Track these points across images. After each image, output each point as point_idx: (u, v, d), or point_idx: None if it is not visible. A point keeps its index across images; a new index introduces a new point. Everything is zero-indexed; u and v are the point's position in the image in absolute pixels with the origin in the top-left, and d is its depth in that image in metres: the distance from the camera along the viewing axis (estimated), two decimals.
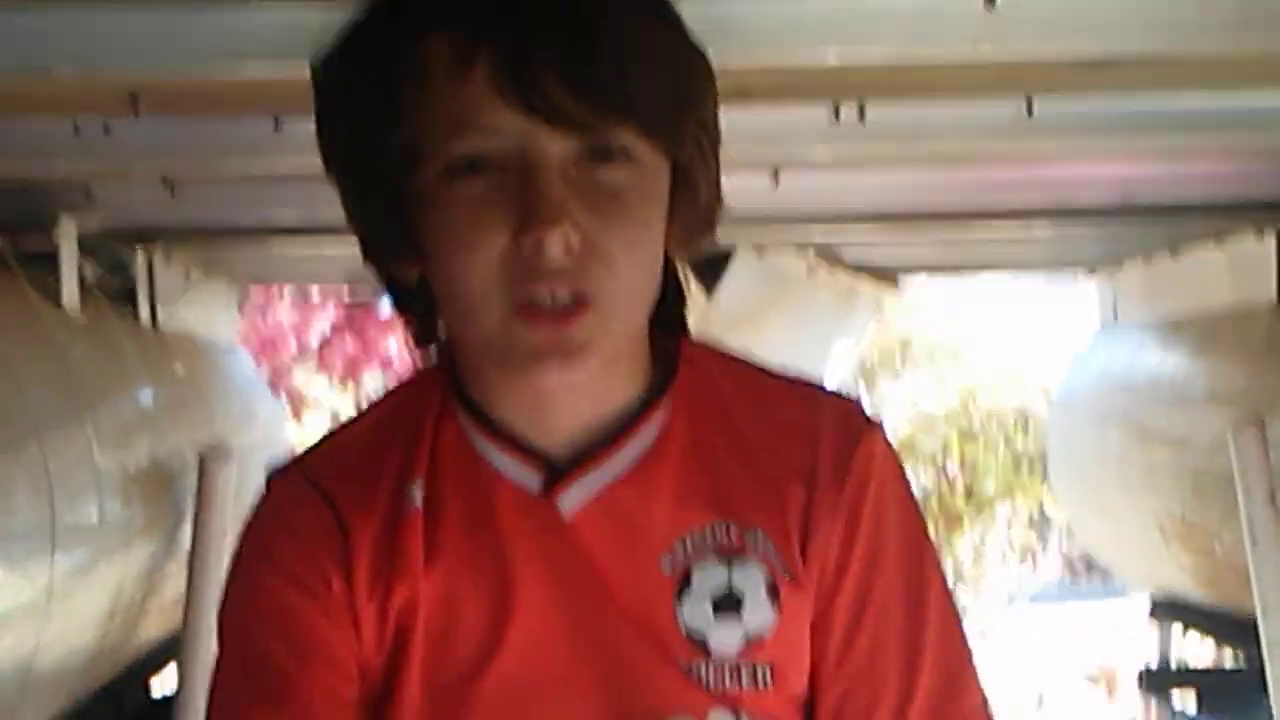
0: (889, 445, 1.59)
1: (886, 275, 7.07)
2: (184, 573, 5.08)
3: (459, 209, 1.43)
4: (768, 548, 1.52)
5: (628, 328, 1.49)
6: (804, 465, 1.55)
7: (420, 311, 1.57)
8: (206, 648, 5.01)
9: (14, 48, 2.41)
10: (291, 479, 1.59)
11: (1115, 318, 7.06)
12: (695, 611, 1.51)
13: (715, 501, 1.54)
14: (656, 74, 1.42)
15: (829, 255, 6.61)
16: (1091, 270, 7.25)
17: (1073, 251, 6.73)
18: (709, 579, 1.52)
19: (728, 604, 1.52)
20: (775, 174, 4.34)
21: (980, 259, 7.11)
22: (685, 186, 1.50)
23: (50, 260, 4.49)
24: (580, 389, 1.50)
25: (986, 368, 16.43)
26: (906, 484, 1.60)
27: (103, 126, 3.40)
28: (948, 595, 1.59)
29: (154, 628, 5.17)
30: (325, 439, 1.66)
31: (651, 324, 1.58)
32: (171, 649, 5.23)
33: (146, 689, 5.54)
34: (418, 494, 1.55)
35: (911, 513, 1.60)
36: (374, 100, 1.46)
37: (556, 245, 1.39)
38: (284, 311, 12.98)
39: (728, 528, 1.53)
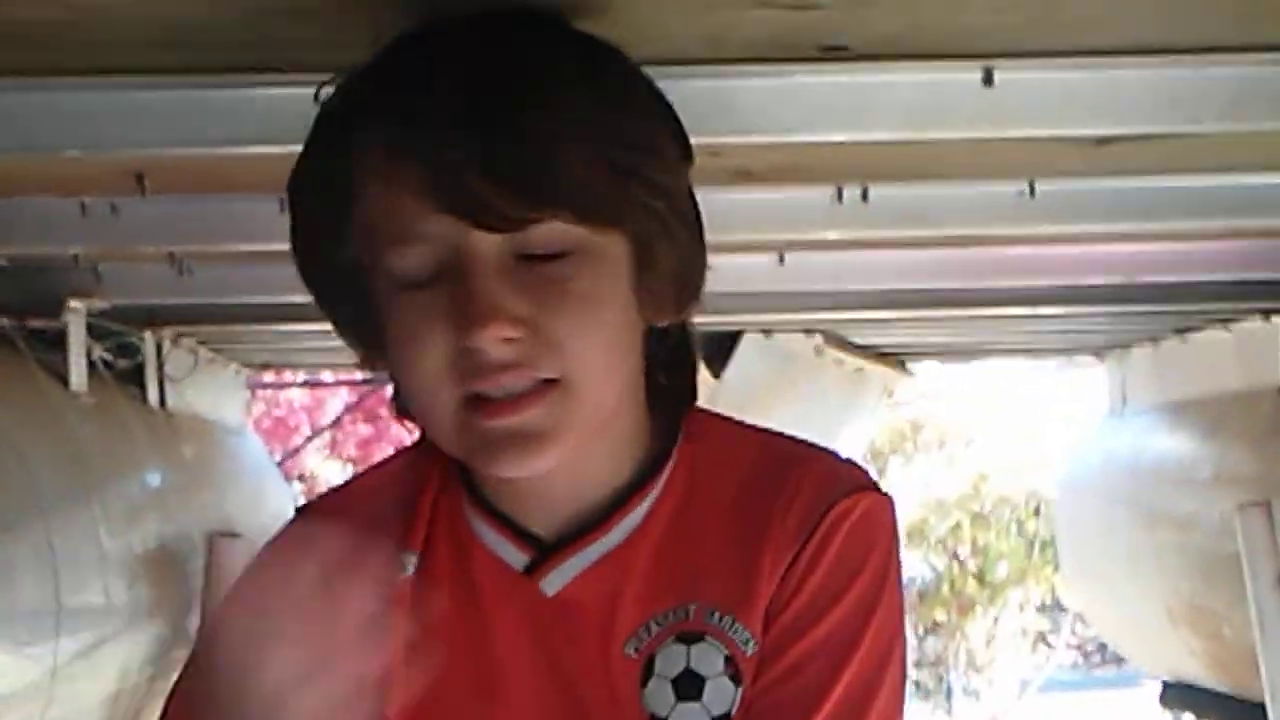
0: (879, 512, 1.56)
1: (895, 358, 7.08)
2: None
3: (407, 318, 1.44)
4: (728, 625, 1.52)
5: (596, 410, 1.47)
6: (776, 529, 1.53)
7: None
8: None
9: (20, 128, 2.42)
10: (299, 525, 1.63)
11: (1124, 401, 7.06)
12: (657, 696, 1.51)
13: (685, 580, 1.54)
14: (588, 157, 1.40)
15: (837, 339, 6.62)
16: (1099, 355, 7.26)
17: (1081, 336, 6.74)
18: (669, 662, 1.52)
19: (688, 687, 1.51)
20: (781, 257, 4.36)
21: (988, 344, 7.12)
22: (644, 256, 1.48)
23: (58, 341, 4.51)
24: (560, 474, 1.49)
25: (998, 452, 16.39)
26: (886, 556, 1.56)
27: (110, 206, 3.42)
28: (885, 679, 1.53)
29: (158, 713, 5.14)
30: (337, 489, 1.72)
31: (653, 397, 1.58)
32: None
33: None
34: (411, 563, 1.56)
35: (879, 584, 1.54)
36: (320, 220, 1.49)
37: (491, 344, 1.39)
38: (296, 394, 13.00)
39: (688, 609, 1.53)
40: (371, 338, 1.52)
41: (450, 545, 1.57)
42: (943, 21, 2.16)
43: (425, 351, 1.42)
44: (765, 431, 1.64)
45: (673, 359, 1.60)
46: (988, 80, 2.35)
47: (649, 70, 2.21)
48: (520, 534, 1.55)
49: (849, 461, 1.63)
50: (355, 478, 1.73)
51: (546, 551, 1.54)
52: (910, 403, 14.79)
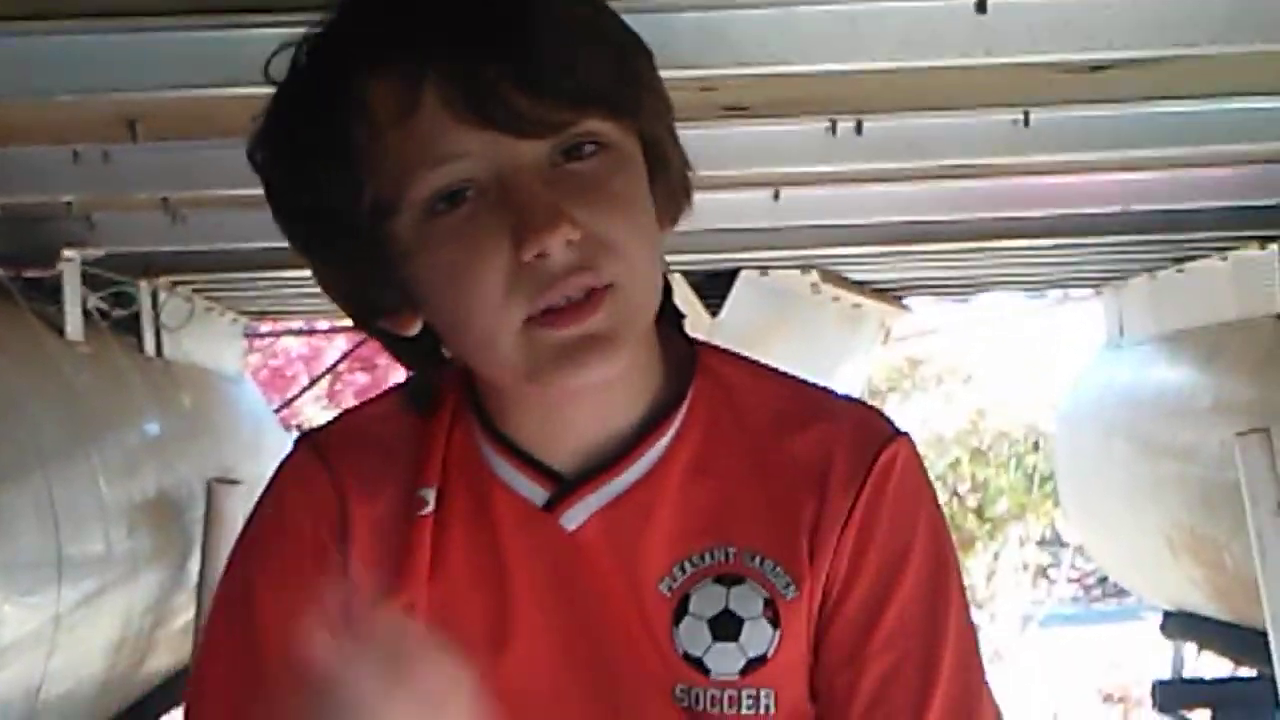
0: (913, 454, 1.56)
1: (892, 294, 7.08)
2: (192, 603, 5.09)
3: (448, 244, 1.40)
4: (769, 569, 1.51)
5: (644, 315, 1.46)
6: (817, 475, 1.52)
7: (427, 361, 1.55)
8: None
9: (10, 73, 2.41)
10: (304, 452, 1.58)
11: (1121, 333, 7.06)
12: (692, 634, 1.50)
13: (718, 521, 1.52)
14: (604, 56, 1.40)
15: (833, 275, 6.62)
16: (1097, 287, 7.26)
17: (1078, 268, 6.73)
18: (706, 602, 1.50)
19: (726, 628, 1.50)
20: (776, 193, 4.35)
21: (985, 278, 7.11)
22: (658, 158, 1.48)
23: (54, 290, 4.51)
24: (585, 402, 1.48)
25: (996, 387, 16.40)
26: (931, 495, 1.57)
27: (102, 153, 3.41)
28: (966, 613, 1.56)
29: (162, 659, 5.16)
30: (342, 417, 1.66)
31: (660, 329, 1.57)
32: (180, 680, 5.22)
33: None
34: (430, 499, 1.53)
35: (936, 525, 1.56)
36: (329, 165, 1.42)
37: (559, 247, 1.37)
38: (292, 344, 12.99)
39: (727, 551, 1.51)
40: (390, 291, 1.47)
41: (466, 482, 1.54)
42: None
43: (482, 275, 1.38)
44: (781, 374, 1.62)
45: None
46: (980, 7, 2.35)
47: (640, 3, 2.21)
48: (539, 470, 1.53)
49: (871, 408, 1.64)
50: (358, 408, 1.67)
51: (566, 488, 1.52)
52: (907, 339, 14.78)
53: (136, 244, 4.55)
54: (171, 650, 5.17)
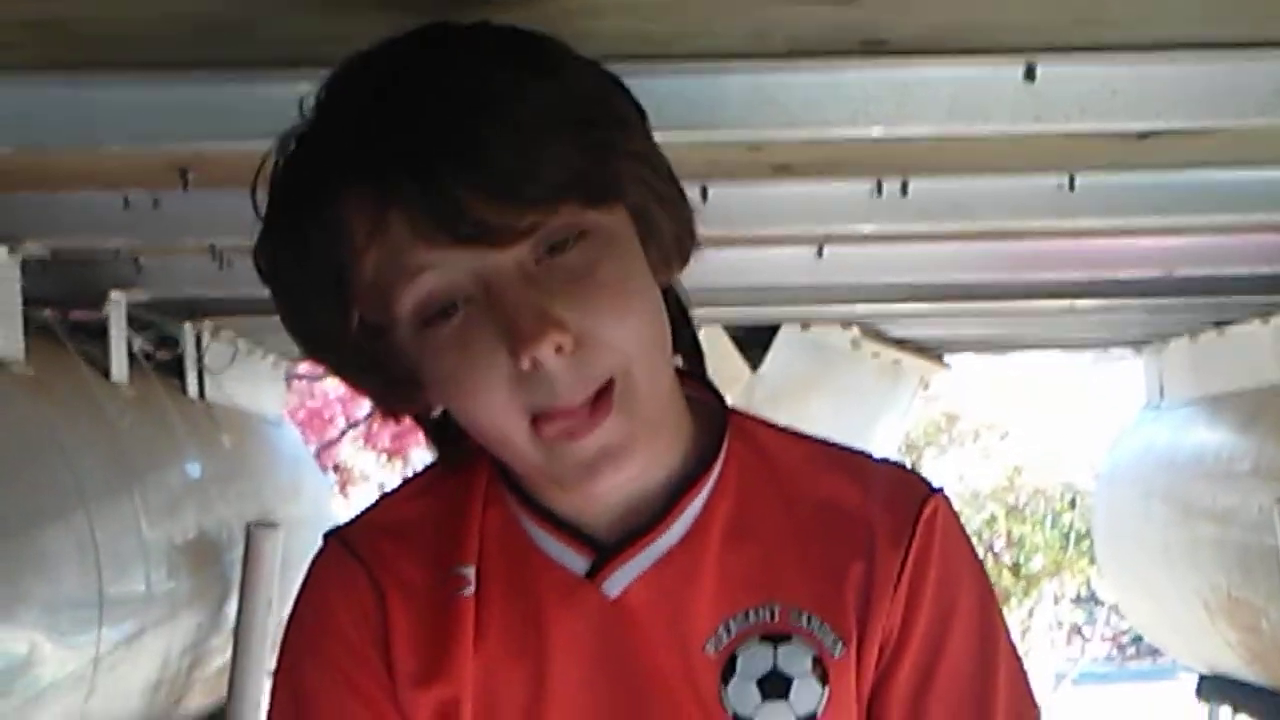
0: (950, 509, 1.58)
1: (932, 351, 7.07)
2: (229, 645, 5.10)
3: (447, 354, 1.40)
4: (816, 626, 1.52)
5: (656, 395, 1.46)
6: (861, 534, 1.53)
7: (453, 435, 1.54)
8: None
9: (64, 122, 2.43)
10: (335, 550, 1.59)
11: (1161, 395, 7.04)
12: (741, 695, 1.51)
13: (761, 580, 1.53)
14: (571, 144, 1.37)
15: (874, 331, 6.62)
16: (1137, 347, 7.24)
17: (1118, 329, 6.72)
18: (754, 661, 1.51)
19: (775, 686, 1.51)
20: (819, 249, 4.36)
21: (1025, 337, 7.11)
22: (647, 225, 1.46)
23: (99, 333, 4.53)
24: (634, 452, 1.47)
25: (1033, 444, 16.36)
26: (970, 546, 1.59)
27: (152, 200, 3.43)
28: (1015, 655, 1.59)
29: (199, 700, 5.18)
30: (370, 508, 1.65)
31: (686, 385, 1.58)
32: None
33: None
34: (471, 577, 1.54)
35: (978, 574, 1.59)
36: (318, 290, 1.42)
37: (551, 356, 1.36)
38: (331, 386, 13.01)
39: (773, 609, 1.52)
40: (402, 388, 1.49)
41: (504, 556, 1.55)
42: (985, 16, 2.17)
43: (484, 384, 1.39)
44: (807, 436, 1.64)
45: (684, 341, 1.59)
46: (1029, 75, 2.35)
47: (692, 66, 2.23)
48: (578, 538, 1.53)
49: (903, 465, 1.66)
50: (386, 496, 1.67)
51: (607, 554, 1.53)
52: (945, 395, 14.76)
53: (183, 288, 4.57)
54: (208, 691, 5.18)
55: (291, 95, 2.38)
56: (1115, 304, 5.43)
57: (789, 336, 6.45)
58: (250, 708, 5.14)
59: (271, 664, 4.94)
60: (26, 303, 3.87)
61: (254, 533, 5.17)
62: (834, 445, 1.64)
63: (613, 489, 1.47)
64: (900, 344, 6.79)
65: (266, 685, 5.17)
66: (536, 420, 1.40)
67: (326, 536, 1.61)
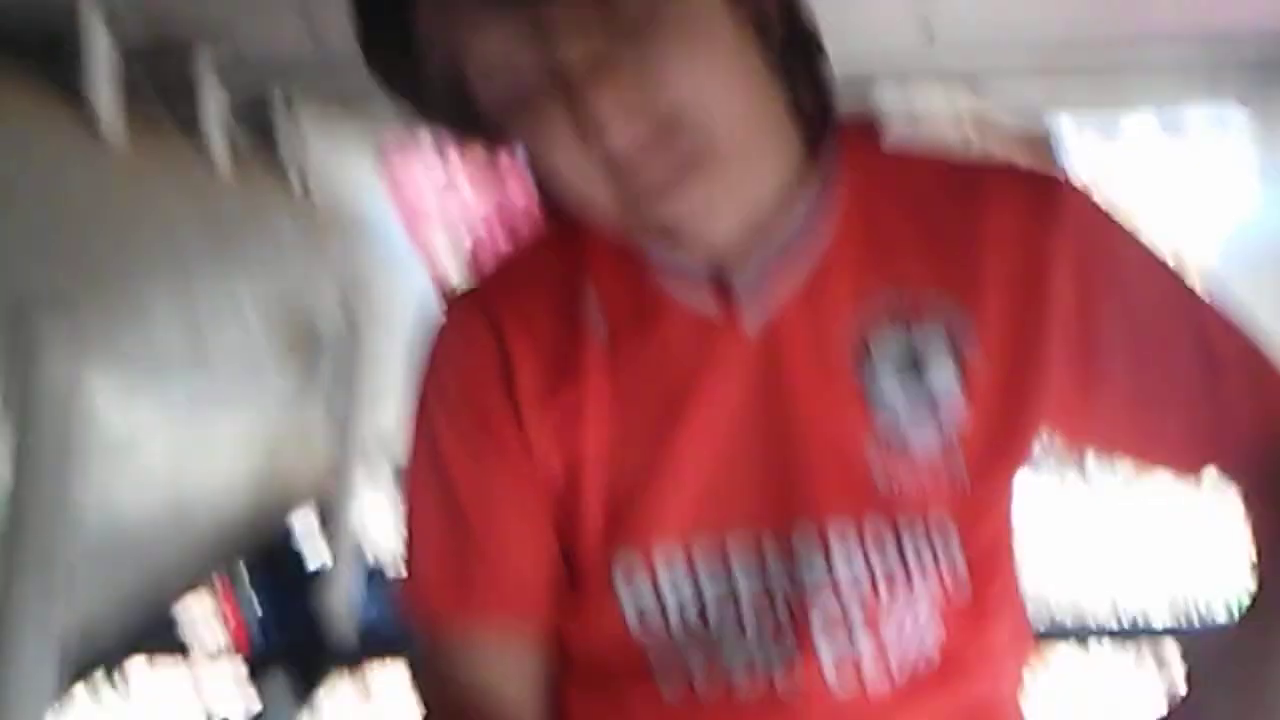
0: (1089, 195, 1.53)
1: (1038, 140, 6.96)
2: (325, 424, 5.12)
3: (532, 134, 1.38)
4: (958, 328, 1.50)
5: (732, 139, 1.39)
6: (1010, 234, 1.50)
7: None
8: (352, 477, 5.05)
9: None
10: (463, 311, 1.58)
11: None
12: (884, 386, 1.51)
13: (897, 298, 1.51)
14: None
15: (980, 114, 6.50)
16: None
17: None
18: (888, 344, 1.51)
19: (910, 368, 1.50)
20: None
21: (1128, 94, 6.93)
22: None
23: (188, 93, 4.50)
24: (727, 214, 1.43)
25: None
26: (1121, 223, 1.54)
27: None
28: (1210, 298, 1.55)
29: (293, 460, 5.19)
30: (496, 267, 1.63)
31: (800, 120, 1.51)
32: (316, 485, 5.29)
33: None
34: (601, 332, 1.53)
35: (1140, 243, 1.55)
36: (391, 52, 1.43)
37: (622, 142, 1.33)
38: (426, 172, 13.02)
39: (909, 324, 1.51)
40: (487, 131, 1.46)
41: (633, 306, 1.54)
42: None
43: (566, 163, 1.37)
44: (930, 152, 1.59)
45: (806, 73, 1.52)
46: None
47: None
48: (708, 279, 1.51)
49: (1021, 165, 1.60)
50: (507, 255, 1.64)
51: (739, 290, 1.50)
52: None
53: (272, 48, 4.54)
54: (309, 466, 5.21)
55: None
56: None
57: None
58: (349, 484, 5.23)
59: (367, 449, 4.96)
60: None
61: (347, 301, 5.18)
62: (953, 151, 1.58)
63: (715, 237, 1.43)
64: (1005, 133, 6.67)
65: (364, 466, 5.25)
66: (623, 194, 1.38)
67: (455, 300, 1.60)
